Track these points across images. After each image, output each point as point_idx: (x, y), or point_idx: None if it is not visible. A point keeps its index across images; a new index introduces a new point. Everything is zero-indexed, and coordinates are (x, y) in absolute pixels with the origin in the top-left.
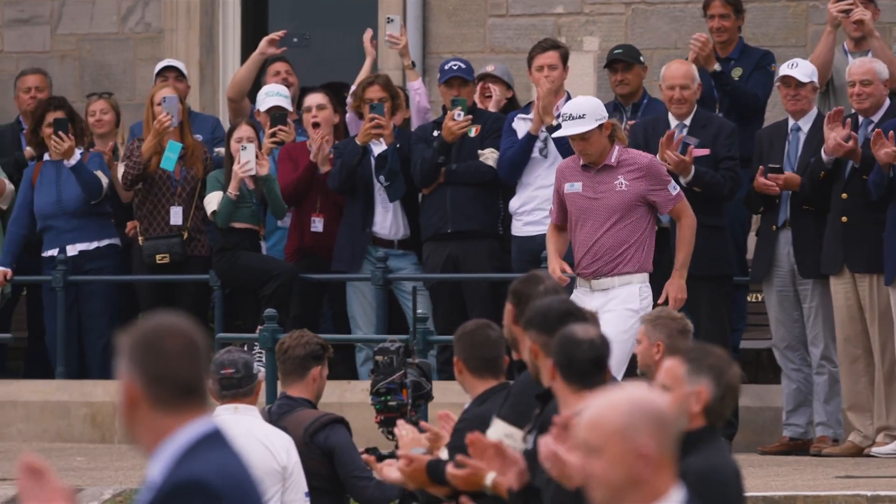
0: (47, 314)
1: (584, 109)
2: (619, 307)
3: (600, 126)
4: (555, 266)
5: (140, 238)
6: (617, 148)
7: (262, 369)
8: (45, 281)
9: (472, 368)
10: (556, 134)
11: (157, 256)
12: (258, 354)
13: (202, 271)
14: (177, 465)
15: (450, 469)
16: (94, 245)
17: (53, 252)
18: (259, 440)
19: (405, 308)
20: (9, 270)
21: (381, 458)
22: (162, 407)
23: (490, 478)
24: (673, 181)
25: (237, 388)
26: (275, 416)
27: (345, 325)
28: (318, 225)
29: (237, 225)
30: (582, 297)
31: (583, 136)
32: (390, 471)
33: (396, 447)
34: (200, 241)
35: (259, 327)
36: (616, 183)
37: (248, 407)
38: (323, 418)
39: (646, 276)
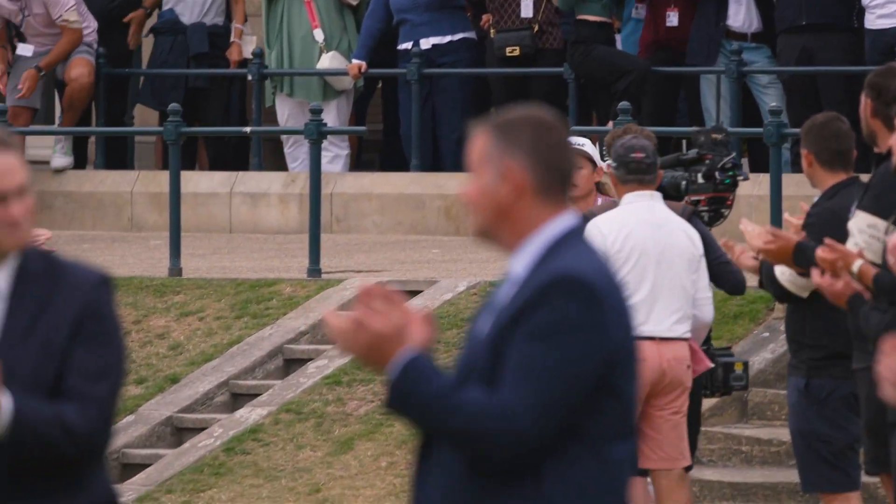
0: (402, 107)
1: (584, 142)
2: None
3: (594, 165)
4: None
5: (492, 31)
6: (599, 199)
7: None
8: (399, 74)
9: (822, 161)
10: None
11: (507, 49)
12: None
13: (553, 64)
14: (546, 260)
15: (819, 252)
16: (447, 39)
17: (408, 45)
18: (679, 227)
19: (759, 101)
20: (364, 63)
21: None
22: (544, 197)
23: (857, 265)
24: None
25: (645, 173)
26: None
27: (699, 119)
28: (672, 19)
29: (590, 18)
30: None
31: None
32: (745, 258)
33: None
34: (552, 33)
35: (611, 122)
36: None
37: (657, 194)
38: (687, 209)
39: None
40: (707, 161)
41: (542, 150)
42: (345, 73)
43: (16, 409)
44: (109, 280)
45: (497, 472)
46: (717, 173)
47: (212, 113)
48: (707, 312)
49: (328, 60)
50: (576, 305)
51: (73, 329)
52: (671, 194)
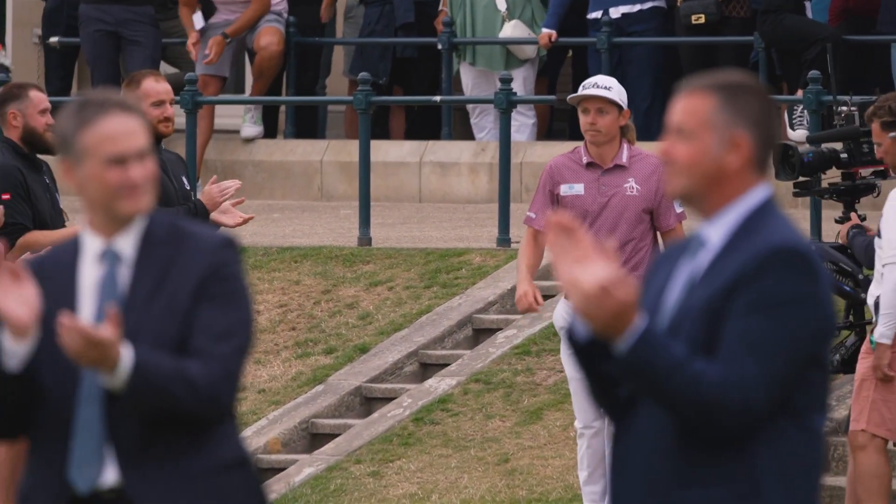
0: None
1: (611, 83)
2: None
3: (620, 109)
4: (526, 289)
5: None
6: (626, 146)
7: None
8: (589, 43)
9: None
10: (574, 96)
11: (693, 17)
12: (798, 116)
13: (740, 33)
14: (746, 229)
15: None
16: (637, 7)
17: (598, 14)
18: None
19: None
20: (553, 32)
21: None
22: (756, 168)
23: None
24: None
25: None
26: None
27: (889, 86)
28: None
29: None
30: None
31: (600, 108)
32: None
33: None
34: (740, 2)
35: (801, 90)
36: (627, 186)
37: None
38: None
39: None
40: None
41: (765, 120)
42: (531, 42)
43: (136, 361)
44: (234, 242)
45: (706, 441)
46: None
47: (418, 83)
48: None
49: (510, 29)
50: (798, 278)
51: (197, 290)
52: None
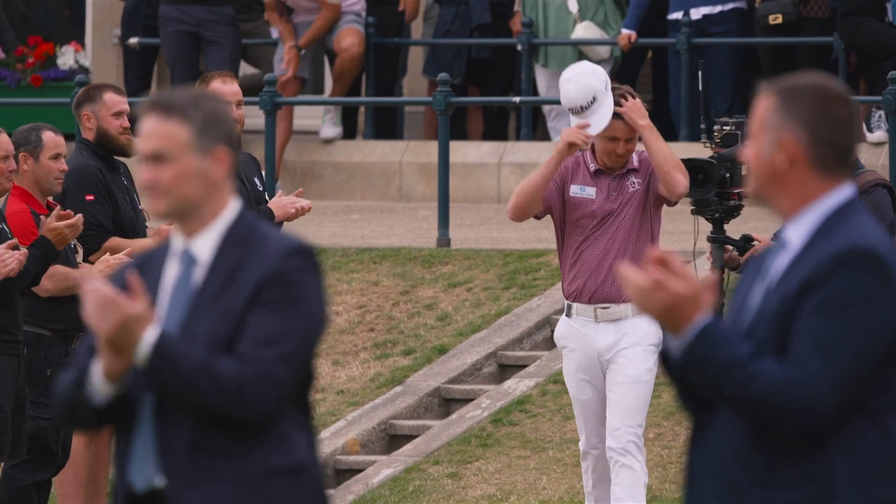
0: (671, 77)
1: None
2: (642, 343)
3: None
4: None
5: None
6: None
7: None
8: (669, 44)
9: None
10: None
11: (770, 17)
12: (876, 120)
13: (819, 33)
14: (825, 231)
15: None
16: (718, 8)
17: (678, 15)
18: None
19: None
20: (633, 33)
21: None
22: (819, 170)
23: None
24: None
25: None
26: None
27: None
28: None
29: None
30: (583, 331)
31: (630, 137)
32: None
33: None
34: (818, 2)
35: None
36: (628, 183)
37: None
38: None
39: None
40: None
41: (822, 123)
42: (605, 43)
43: (159, 342)
44: (305, 250)
45: (782, 443)
46: None
47: (493, 84)
48: None
49: (581, 30)
50: (869, 279)
51: (253, 295)
52: None
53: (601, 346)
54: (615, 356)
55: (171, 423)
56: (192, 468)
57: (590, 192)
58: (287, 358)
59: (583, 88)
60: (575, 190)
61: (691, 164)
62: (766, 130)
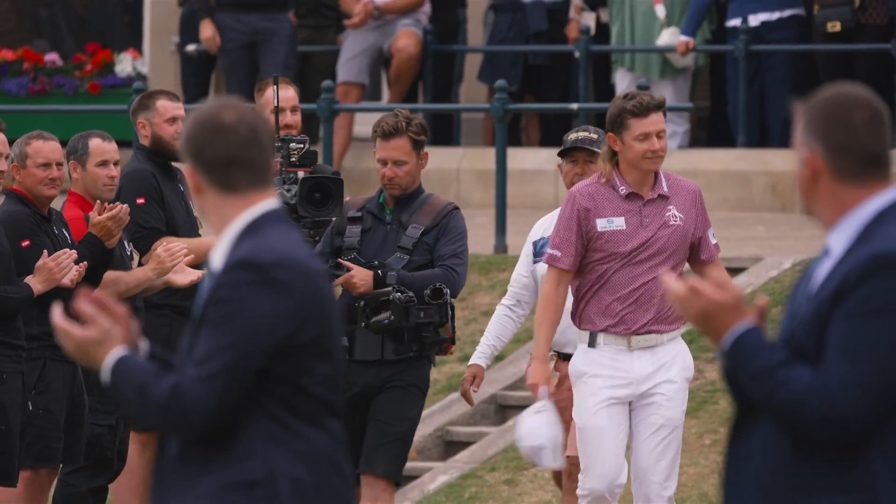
0: (730, 84)
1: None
2: (680, 377)
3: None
4: (542, 368)
5: (815, 6)
6: (659, 171)
7: None
8: (727, 51)
9: None
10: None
11: (828, 24)
12: None
13: (878, 40)
14: (864, 238)
15: None
16: (777, 15)
17: (736, 22)
18: None
19: None
20: (691, 40)
21: None
22: (845, 178)
23: None
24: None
25: None
26: None
27: None
28: None
29: None
30: (615, 361)
31: (644, 131)
32: None
33: None
34: (876, 8)
35: None
36: (669, 215)
37: None
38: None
39: None
40: None
41: (835, 130)
42: (665, 51)
43: (116, 364)
44: (252, 263)
45: (822, 450)
46: None
47: (549, 91)
48: None
49: (668, 36)
50: None
51: (203, 313)
52: None
53: (638, 375)
54: (653, 389)
55: (167, 436)
56: (175, 480)
57: (619, 222)
58: (213, 377)
59: (527, 451)
60: (602, 224)
61: (313, 182)
62: (797, 148)
